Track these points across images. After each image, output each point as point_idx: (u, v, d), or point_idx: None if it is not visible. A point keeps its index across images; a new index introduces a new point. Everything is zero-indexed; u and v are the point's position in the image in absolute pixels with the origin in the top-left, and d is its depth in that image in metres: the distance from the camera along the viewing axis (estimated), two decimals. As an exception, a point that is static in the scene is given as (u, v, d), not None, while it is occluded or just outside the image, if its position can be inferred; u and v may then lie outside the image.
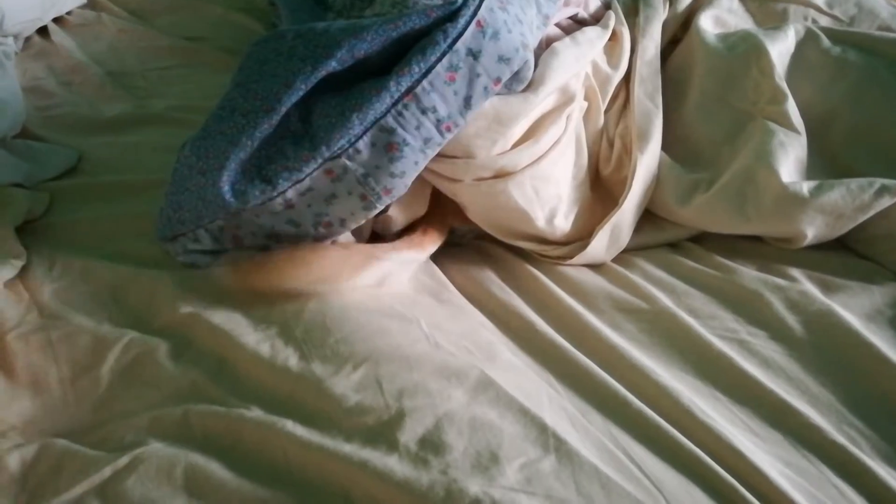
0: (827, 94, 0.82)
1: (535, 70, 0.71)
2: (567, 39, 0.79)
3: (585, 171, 0.77)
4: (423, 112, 0.63)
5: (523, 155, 0.69)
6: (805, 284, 0.70)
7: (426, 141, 0.64)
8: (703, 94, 0.84)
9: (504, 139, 0.68)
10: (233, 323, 0.64)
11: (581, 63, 0.76)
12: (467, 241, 0.79)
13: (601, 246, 0.74)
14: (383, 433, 0.53)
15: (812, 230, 0.72)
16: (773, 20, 0.94)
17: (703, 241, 0.77)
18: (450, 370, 0.58)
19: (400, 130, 0.63)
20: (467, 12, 0.65)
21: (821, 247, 0.74)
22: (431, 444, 0.52)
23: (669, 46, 0.94)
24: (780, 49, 0.83)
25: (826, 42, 0.85)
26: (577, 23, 0.89)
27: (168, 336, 0.65)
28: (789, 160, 0.73)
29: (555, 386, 0.59)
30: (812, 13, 0.93)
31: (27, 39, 1.12)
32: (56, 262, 0.73)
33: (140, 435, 0.56)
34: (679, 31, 0.96)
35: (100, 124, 0.94)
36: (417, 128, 0.64)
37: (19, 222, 0.74)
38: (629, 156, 0.78)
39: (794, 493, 0.51)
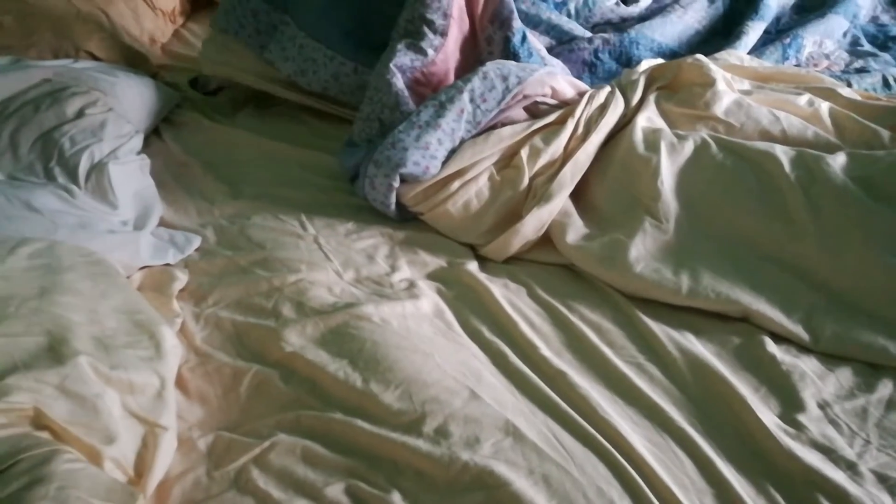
0: (711, 188, 1.19)
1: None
2: (479, 138, 1.30)
3: (503, 204, 1.27)
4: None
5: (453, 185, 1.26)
6: (685, 327, 1.07)
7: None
8: (614, 180, 1.24)
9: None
10: (319, 358, 1.01)
11: (476, 153, 1.29)
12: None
13: (495, 247, 1.24)
14: (414, 426, 0.89)
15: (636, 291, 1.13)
16: (682, 124, 1.31)
17: (629, 300, 1.13)
18: (452, 388, 0.95)
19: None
20: None
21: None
22: (441, 432, 0.88)
23: (618, 130, 1.34)
24: (675, 157, 1.21)
25: (714, 148, 1.22)
26: (546, 107, 1.38)
27: (279, 367, 1.01)
28: (645, 241, 1.15)
29: (516, 395, 0.96)
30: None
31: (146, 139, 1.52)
32: (200, 319, 1.12)
33: (271, 430, 0.93)
34: (627, 121, 1.35)
35: (210, 210, 1.34)
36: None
37: (176, 293, 1.13)
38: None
39: (649, 458, 0.86)
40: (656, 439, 0.92)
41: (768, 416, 0.92)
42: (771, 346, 1.03)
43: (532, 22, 1.69)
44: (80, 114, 1.28)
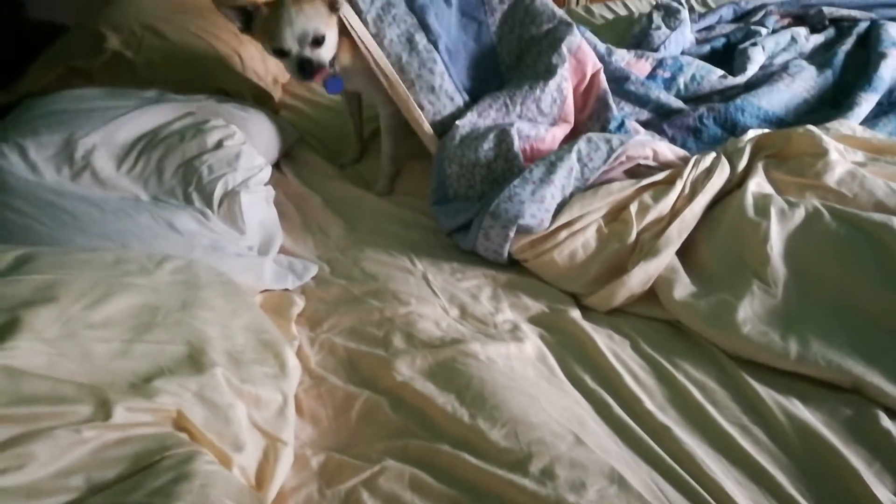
0: (823, 256, 1.19)
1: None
2: (589, 192, 1.35)
3: (609, 256, 1.30)
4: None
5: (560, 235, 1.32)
6: (791, 393, 1.06)
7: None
8: (723, 242, 1.25)
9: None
10: (428, 390, 1.06)
11: (585, 206, 1.34)
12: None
13: (600, 297, 1.26)
14: (520, 465, 0.92)
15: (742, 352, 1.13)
16: (791, 192, 1.31)
17: (733, 361, 1.13)
18: (557, 431, 0.98)
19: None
20: None
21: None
22: (547, 474, 0.91)
23: (726, 194, 1.36)
24: (785, 223, 1.21)
25: (827, 217, 1.22)
26: (644, 168, 1.43)
27: (388, 395, 1.07)
28: (753, 304, 1.14)
29: (619, 444, 0.98)
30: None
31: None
32: (314, 343, 1.19)
33: (380, 455, 0.98)
34: (734, 185, 1.37)
35: (326, 242, 1.42)
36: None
37: (294, 317, 1.20)
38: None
39: (756, 522, 0.88)
40: (762, 502, 0.91)
41: (883, 493, 0.90)
42: (885, 421, 1.00)
43: (641, 101, 1.78)
44: (218, 145, 1.39)
